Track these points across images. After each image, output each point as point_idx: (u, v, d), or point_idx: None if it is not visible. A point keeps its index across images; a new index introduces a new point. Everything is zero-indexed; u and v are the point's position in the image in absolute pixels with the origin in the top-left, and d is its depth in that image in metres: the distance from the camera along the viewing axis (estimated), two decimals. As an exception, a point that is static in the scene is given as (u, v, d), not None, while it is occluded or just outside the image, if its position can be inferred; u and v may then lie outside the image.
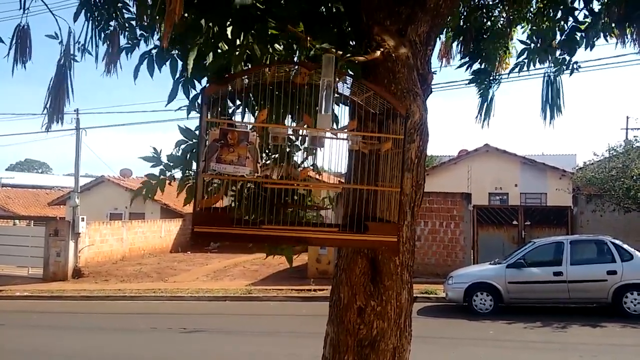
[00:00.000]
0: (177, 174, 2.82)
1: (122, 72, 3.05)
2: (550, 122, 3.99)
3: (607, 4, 3.46)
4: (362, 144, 1.90)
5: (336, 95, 2.12)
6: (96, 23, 2.88)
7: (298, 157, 2.45)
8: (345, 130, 2.01)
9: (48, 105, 2.82)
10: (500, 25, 4.18)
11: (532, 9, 4.07)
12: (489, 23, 4.14)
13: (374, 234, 1.82)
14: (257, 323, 11.61)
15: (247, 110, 2.40)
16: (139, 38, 2.89)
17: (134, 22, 2.91)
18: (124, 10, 2.89)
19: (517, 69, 4.03)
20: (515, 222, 15.92)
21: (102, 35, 2.94)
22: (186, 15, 2.47)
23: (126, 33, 2.93)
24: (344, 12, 2.90)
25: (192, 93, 2.84)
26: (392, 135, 1.91)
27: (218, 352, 9.23)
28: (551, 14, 3.83)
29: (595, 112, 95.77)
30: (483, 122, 4.37)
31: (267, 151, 2.29)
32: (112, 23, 2.92)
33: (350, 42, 2.87)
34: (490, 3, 4.16)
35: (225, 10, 2.28)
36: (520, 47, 4.03)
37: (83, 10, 2.82)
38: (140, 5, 2.53)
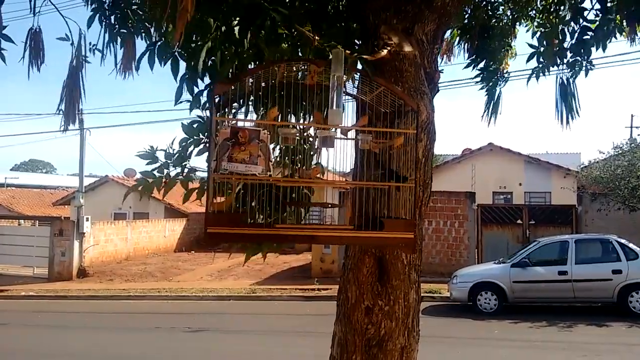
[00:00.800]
0: (174, 172, 2.82)
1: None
2: (566, 125, 3.92)
3: (619, 1, 3.43)
4: (373, 143, 1.90)
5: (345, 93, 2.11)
6: (110, 27, 2.87)
7: (306, 155, 2.44)
8: (355, 126, 2.00)
9: (63, 107, 2.82)
10: (504, 23, 4.16)
11: (536, 7, 4.05)
12: (494, 21, 4.11)
13: (390, 231, 1.80)
14: (261, 322, 11.62)
15: (255, 108, 2.40)
16: (141, 31, 2.88)
17: (147, 24, 2.90)
18: (139, 12, 2.87)
19: (533, 76, 4.00)
20: (519, 221, 15.87)
21: (118, 39, 2.93)
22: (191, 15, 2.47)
23: (142, 35, 2.91)
24: (351, 11, 2.89)
25: (197, 90, 2.84)
26: (404, 130, 1.90)
27: (222, 351, 9.24)
28: (558, 12, 3.80)
29: (600, 110, 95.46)
30: (490, 120, 4.34)
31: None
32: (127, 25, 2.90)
33: (357, 41, 2.86)
34: (495, 1, 4.14)
35: (232, 8, 2.27)
36: (526, 48, 3.99)
37: (97, 16, 2.81)
38: (152, 6, 2.52)
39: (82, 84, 2.86)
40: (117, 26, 2.86)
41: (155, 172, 2.78)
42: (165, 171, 2.79)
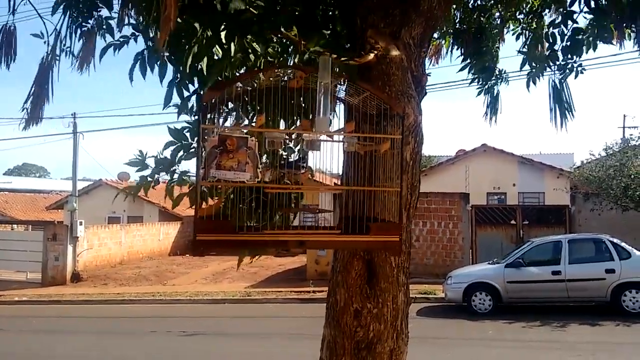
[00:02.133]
0: (165, 177, 2.82)
1: (118, 75, 3.04)
2: (561, 127, 3.94)
3: (608, 4, 3.46)
4: (358, 146, 1.90)
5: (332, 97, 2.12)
6: (73, 19, 2.85)
7: (293, 159, 2.45)
8: (342, 132, 2.01)
9: (28, 106, 2.81)
10: (494, 26, 4.19)
11: (524, 10, 4.08)
12: (485, 24, 4.14)
13: (376, 234, 1.81)
14: (257, 325, 11.60)
15: (242, 115, 2.41)
16: (130, 36, 2.88)
17: (111, 22, 2.90)
18: (104, 8, 2.86)
19: (530, 81, 4.04)
20: (513, 222, 15.94)
21: (79, 32, 2.90)
22: (178, 19, 2.48)
23: (103, 31, 2.90)
24: (338, 15, 2.91)
25: (186, 94, 2.84)
26: (390, 135, 1.91)
27: (221, 353, 9.24)
28: (542, 17, 3.84)
29: (593, 110, 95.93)
30: (491, 119, 4.37)
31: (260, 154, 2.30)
32: (90, 21, 2.89)
33: (344, 45, 2.88)
34: (485, 4, 4.17)
35: (219, 15, 2.28)
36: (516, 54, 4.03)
37: (62, 5, 2.80)
38: (124, 6, 2.52)
39: (51, 84, 2.83)
40: (79, 19, 2.84)
41: (148, 178, 2.80)
42: (156, 176, 2.80)
